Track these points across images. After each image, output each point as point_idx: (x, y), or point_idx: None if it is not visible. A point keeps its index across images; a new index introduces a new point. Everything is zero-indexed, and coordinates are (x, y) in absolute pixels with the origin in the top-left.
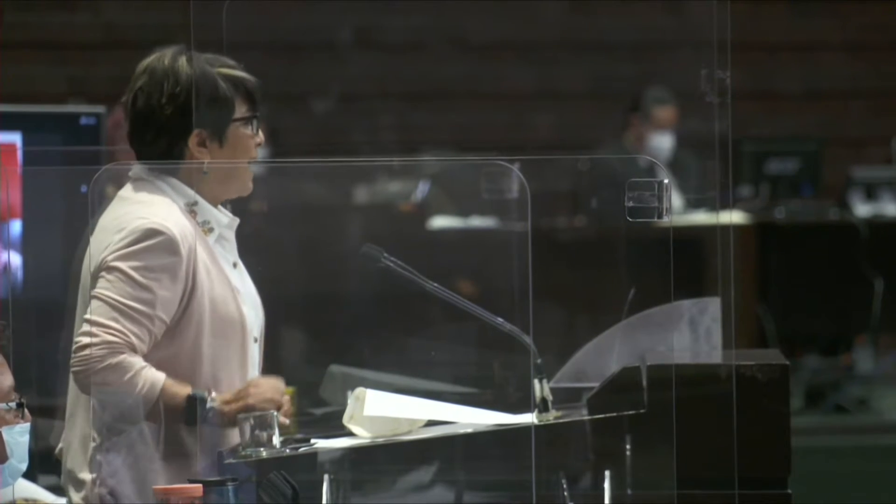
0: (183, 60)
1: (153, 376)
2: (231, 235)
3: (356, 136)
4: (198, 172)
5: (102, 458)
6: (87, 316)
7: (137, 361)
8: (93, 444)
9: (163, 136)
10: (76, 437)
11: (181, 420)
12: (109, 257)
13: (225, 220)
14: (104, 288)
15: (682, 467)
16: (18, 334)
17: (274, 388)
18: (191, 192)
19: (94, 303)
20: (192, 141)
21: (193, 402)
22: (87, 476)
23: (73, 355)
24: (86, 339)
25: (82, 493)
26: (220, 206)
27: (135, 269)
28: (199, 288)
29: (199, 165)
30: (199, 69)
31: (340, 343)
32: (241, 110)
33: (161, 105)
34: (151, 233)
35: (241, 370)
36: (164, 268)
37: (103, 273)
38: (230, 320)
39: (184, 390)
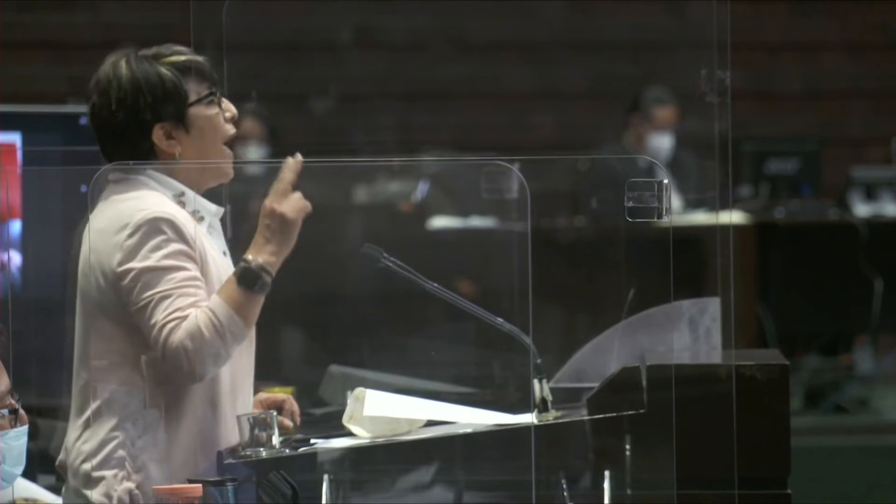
0: (122, 63)
1: (210, 306)
2: (218, 224)
3: (356, 136)
4: (176, 164)
5: (127, 452)
6: (154, 320)
7: (190, 315)
8: (115, 441)
9: (123, 141)
10: (94, 437)
11: (252, 293)
12: (131, 261)
13: (213, 209)
14: (141, 291)
15: (682, 467)
16: (18, 335)
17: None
18: (176, 184)
19: (149, 307)
20: (157, 136)
21: (246, 275)
22: (107, 472)
23: (164, 363)
24: (160, 341)
25: (102, 489)
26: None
27: (157, 260)
28: (208, 270)
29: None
30: (139, 68)
31: (340, 343)
32: (197, 92)
33: (112, 113)
34: (156, 221)
35: (248, 350)
36: (180, 251)
37: (133, 279)
38: None
39: (232, 283)
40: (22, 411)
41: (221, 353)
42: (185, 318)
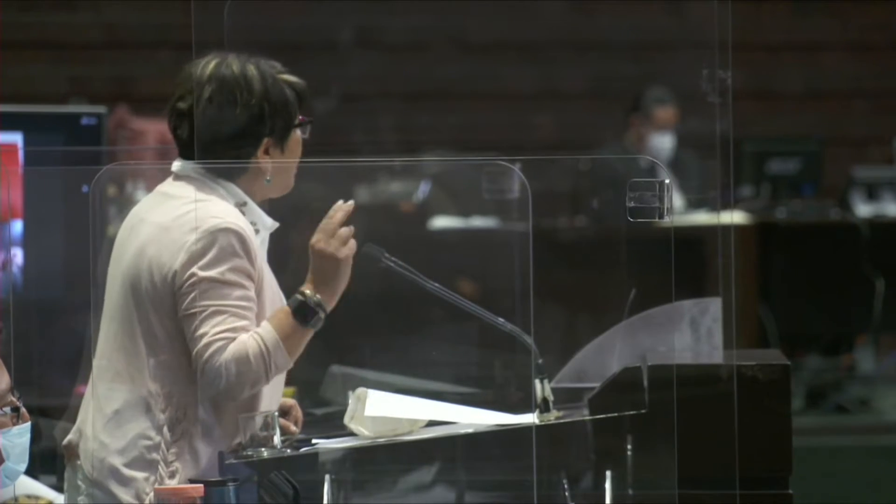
0: (252, 67)
1: (261, 333)
2: (267, 237)
3: (357, 136)
4: (254, 175)
5: (161, 457)
6: (201, 331)
7: (240, 337)
8: (147, 443)
9: (235, 143)
10: (124, 435)
11: (304, 327)
12: (194, 267)
13: (269, 223)
14: (196, 299)
15: (684, 467)
16: (19, 334)
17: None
18: (241, 193)
19: (200, 317)
20: (261, 150)
21: (301, 309)
22: (137, 473)
23: (201, 377)
24: (204, 356)
25: (132, 491)
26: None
27: (224, 272)
28: (264, 287)
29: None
30: (269, 76)
31: (341, 343)
32: (297, 115)
33: (235, 115)
34: (228, 232)
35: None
36: (245, 265)
37: (193, 285)
38: None
39: (284, 311)
40: (24, 409)
41: (261, 381)
42: (233, 339)
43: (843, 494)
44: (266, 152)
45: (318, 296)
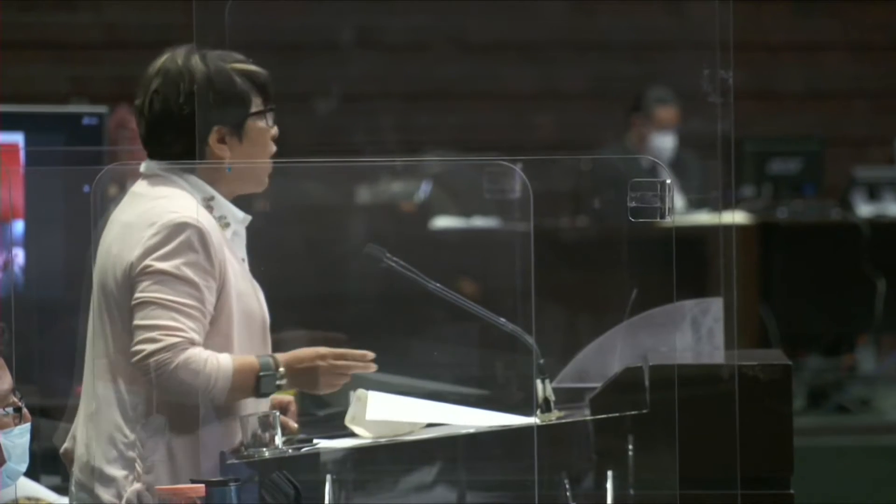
0: (196, 58)
1: (221, 363)
2: (243, 232)
3: (358, 136)
4: (216, 168)
5: (137, 454)
6: (144, 322)
7: (201, 353)
8: (124, 441)
9: (183, 136)
10: (103, 435)
11: (253, 395)
12: (147, 258)
13: (240, 216)
14: (153, 290)
15: (685, 467)
16: (20, 334)
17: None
18: (207, 188)
19: (146, 308)
20: (213, 138)
21: (266, 377)
22: (117, 472)
23: (138, 365)
24: (149, 347)
25: (112, 490)
26: None
27: (178, 266)
28: (228, 281)
29: (218, 165)
30: (213, 66)
31: (342, 343)
32: (256, 104)
33: (179, 105)
34: (184, 226)
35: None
36: (202, 261)
37: (146, 275)
38: (252, 314)
39: (253, 366)
40: (25, 409)
41: (189, 397)
42: (190, 341)
43: (845, 494)
44: (222, 142)
45: (285, 380)
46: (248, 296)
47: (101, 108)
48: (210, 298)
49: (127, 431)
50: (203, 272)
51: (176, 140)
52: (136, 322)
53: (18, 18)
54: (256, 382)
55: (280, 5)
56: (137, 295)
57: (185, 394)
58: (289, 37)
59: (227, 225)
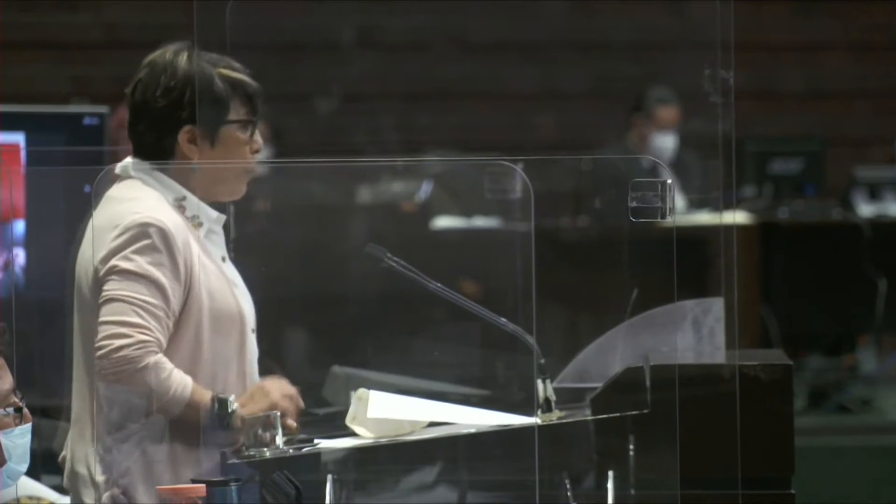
0: (184, 56)
1: (183, 378)
2: (220, 230)
3: (359, 136)
4: (187, 168)
5: (112, 458)
6: (112, 318)
7: (167, 362)
8: (100, 445)
9: (154, 127)
10: (84, 439)
11: (204, 420)
12: (112, 258)
13: (214, 215)
14: (118, 288)
15: (686, 467)
16: (21, 334)
17: (284, 387)
18: (178, 187)
19: (113, 304)
20: (182, 137)
21: (219, 406)
22: (98, 477)
23: (104, 358)
24: (118, 342)
25: (95, 494)
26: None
27: (141, 265)
28: (196, 280)
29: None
30: (197, 66)
31: (343, 343)
32: (237, 112)
33: (155, 97)
34: (146, 226)
35: (240, 362)
36: (165, 261)
37: (112, 275)
38: (228, 312)
39: (207, 393)
40: (25, 409)
41: (139, 401)
42: (157, 342)
43: (845, 494)
44: (192, 142)
45: (239, 421)
46: (222, 294)
47: (102, 108)
48: (174, 298)
49: (104, 436)
50: (167, 271)
51: (148, 130)
52: (102, 318)
53: (19, 18)
54: (213, 417)
55: (281, 5)
56: (104, 293)
57: (140, 395)
58: (289, 37)
59: (199, 224)
